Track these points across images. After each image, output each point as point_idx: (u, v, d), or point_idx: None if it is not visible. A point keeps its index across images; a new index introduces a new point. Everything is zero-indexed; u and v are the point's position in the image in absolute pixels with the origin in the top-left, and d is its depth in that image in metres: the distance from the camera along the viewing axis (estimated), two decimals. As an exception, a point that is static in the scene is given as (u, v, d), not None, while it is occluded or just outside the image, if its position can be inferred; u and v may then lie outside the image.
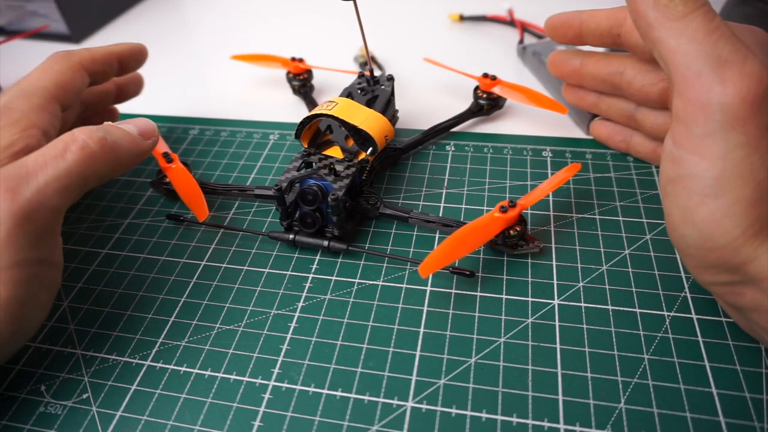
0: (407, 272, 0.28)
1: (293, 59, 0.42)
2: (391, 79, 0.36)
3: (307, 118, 0.31)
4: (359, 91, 0.35)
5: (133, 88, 0.37)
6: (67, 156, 0.23)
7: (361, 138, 0.31)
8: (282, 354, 0.25)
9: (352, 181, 0.29)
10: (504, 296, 0.27)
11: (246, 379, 0.25)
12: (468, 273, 0.27)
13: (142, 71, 0.36)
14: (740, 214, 0.20)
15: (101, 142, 0.24)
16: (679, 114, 0.22)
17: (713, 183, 0.21)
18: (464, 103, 0.39)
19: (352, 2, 0.31)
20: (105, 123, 0.26)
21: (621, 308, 0.26)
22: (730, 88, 0.20)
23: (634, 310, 0.26)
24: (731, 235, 0.20)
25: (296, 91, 0.42)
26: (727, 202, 0.20)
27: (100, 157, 0.24)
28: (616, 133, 0.34)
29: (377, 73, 0.45)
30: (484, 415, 0.23)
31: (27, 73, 0.28)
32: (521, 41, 0.47)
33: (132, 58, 0.34)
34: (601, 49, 0.34)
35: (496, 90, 0.37)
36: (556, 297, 0.27)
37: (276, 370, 0.25)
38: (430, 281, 0.28)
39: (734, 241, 0.20)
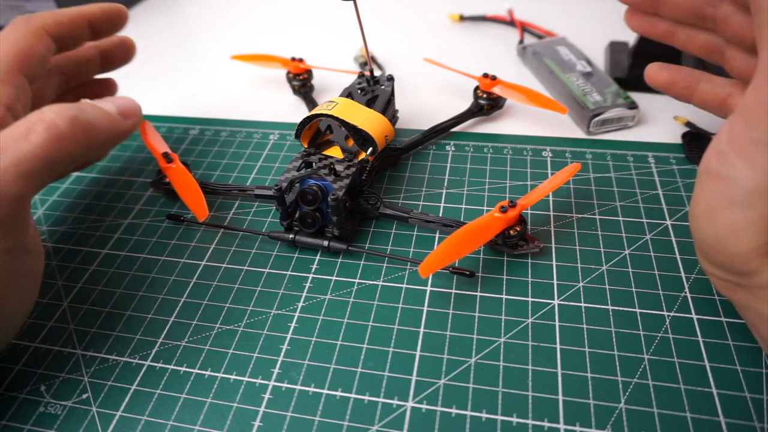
0: (407, 272, 0.28)
1: (293, 59, 0.42)
2: (391, 79, 0.36)
3: (307, 118, 0.31)
4: (359, 91, 0.35)
5: (120, 54, 0.34)
6: (31, 138, 0.21)
7: (361, 138, 0.31)
8: (282, 354, 0.25)
9: (352, 181, 0.29)
10: (504, 296, 0.27)
11: (246, 379, 0.25)
12: (468, 273, 0.27)
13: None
14: (760, 231, 0.20)
15: (72, 122, 0.22)
16: (746, 105, 0.20)
17: (746, 194, 0.20)
18: (464, 103, 0.39)
19: (352, 2, 0.31)
20: (82, 100, 0.24)
21: (621, 308, 0.26)
22: None
23: (634, 310, 0.26)
24: (744, 248, 0.20)
25: (296, 91, 0.42)
26: (753, 216, 0.20)
27: (70, 139, 0.22)
28: (681, 78, 0.30)
29: (377, 73, 0.45)
30: (484, 415, 0.23)
31: None
32: (521, 41, 0.47)
33: (106, 21, 0.31)
34: None
35: (496, 90, 0.37)
36: (556, 297, 0.27)
37: (276, 370, 0.25)
38: (430, 281, 0.28)
39: (746, 253, 0.20)
